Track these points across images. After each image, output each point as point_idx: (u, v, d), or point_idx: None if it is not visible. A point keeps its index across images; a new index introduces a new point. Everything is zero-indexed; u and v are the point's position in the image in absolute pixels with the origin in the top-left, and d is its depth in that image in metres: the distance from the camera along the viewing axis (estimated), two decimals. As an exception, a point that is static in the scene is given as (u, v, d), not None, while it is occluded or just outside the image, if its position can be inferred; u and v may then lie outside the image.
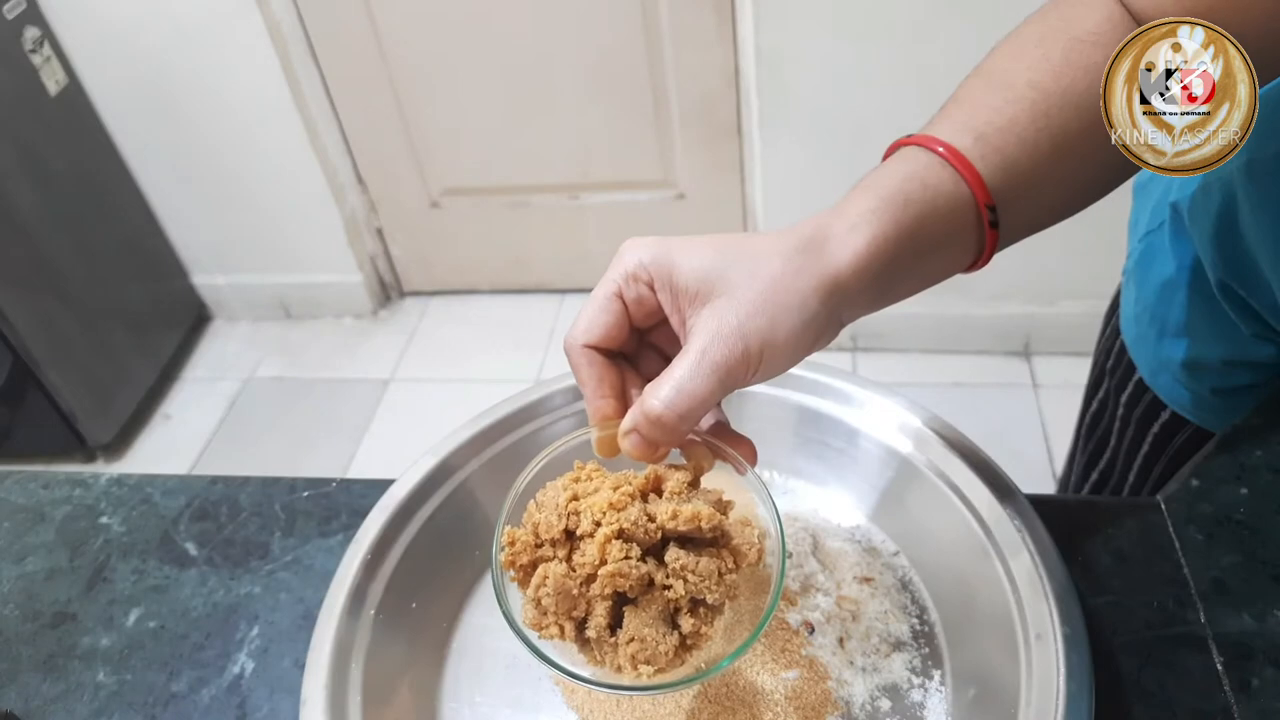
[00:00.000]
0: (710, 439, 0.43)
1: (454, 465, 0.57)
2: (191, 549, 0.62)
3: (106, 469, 1.92)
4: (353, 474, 1.87)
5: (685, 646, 0.40)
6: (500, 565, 0.40)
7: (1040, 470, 1.68)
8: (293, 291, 2.22)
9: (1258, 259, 0.54)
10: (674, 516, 0.39)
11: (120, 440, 1.99)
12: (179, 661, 0.56)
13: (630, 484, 0.41)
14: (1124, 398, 0.72)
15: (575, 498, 0.40)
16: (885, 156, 0.44)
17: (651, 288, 0.41)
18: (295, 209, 2.06)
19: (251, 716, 0.52)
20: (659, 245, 0.41)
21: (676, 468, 0.42)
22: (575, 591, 0.39)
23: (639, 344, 0.45)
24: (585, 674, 0.40)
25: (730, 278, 0.39)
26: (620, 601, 0.39)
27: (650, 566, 0.39)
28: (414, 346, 2.15)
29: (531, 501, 0.42)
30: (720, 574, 0.40)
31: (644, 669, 0.38)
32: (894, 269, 0.40)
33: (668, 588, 0.39)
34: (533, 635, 0.40)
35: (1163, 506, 0.54)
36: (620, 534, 0.38)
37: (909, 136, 0.43)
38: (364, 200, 2.13)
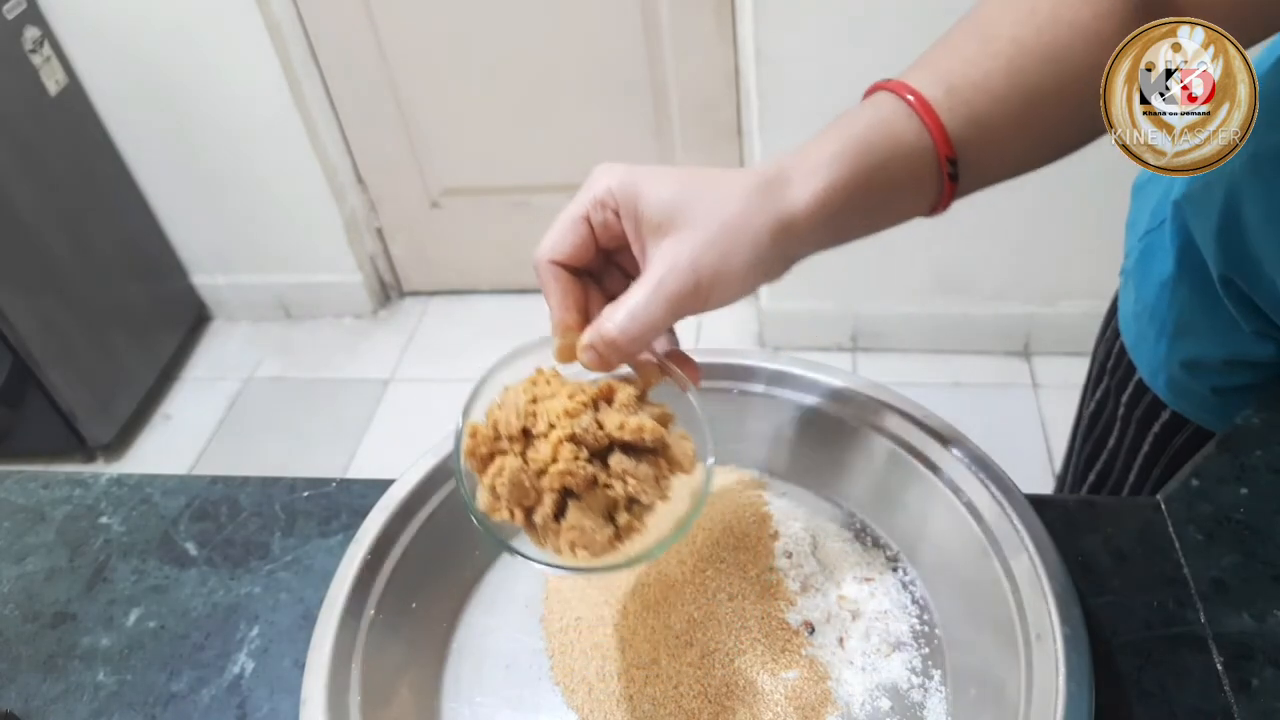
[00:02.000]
0: (660, 358, 0.47)
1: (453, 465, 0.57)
2: (191, 549, 0.62)
3: (106, 469, 1.92)
4: (353, 474, 1.87)
5: (619, 538, 0.44)
6: (462, 454, 0.44)
7: (1040, 470, 1.68)
8: (293, 291, 2.22)
9: (1261, 253, 0.54)
10: (621, 427, 0.43)
11: (120, 440, 1.99)
12: (179, 661, 0.56)
13: (584, 393, 0.44)
14: (1124, 398, 0.72)
15: (535, 400, 0.44)
16: (865, 96, 0.46)
17: (617, 214, 0.44)
18: (295, 209, 2.06)
19: (251, 716, 0.52)
20: (628, 174, 0.43)
21: (628, 381, 0.46)
22: (527, 484, 0.42)
23: (605, 263, 0.48)
24: (529, 553, 0.44)
25: (690, 213, 0.41)
26: (566, 495, 0.43)
27: (595, 468, 0.43)
28: (414, 346, 2.15)
29: (494, 400, 0.45)
30: (656, 479, 0.44)
31: (581, 554, 0.43)
32: (848, 212, 0.43)
33: (609, 487, 0.43)
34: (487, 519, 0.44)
35: (1163, 506, 0.54)
36: (572, 438, 0.42)
37: (886, 80, 0.45)
38: (364, 200, 2.13)
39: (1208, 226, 0.57)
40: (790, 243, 0.42)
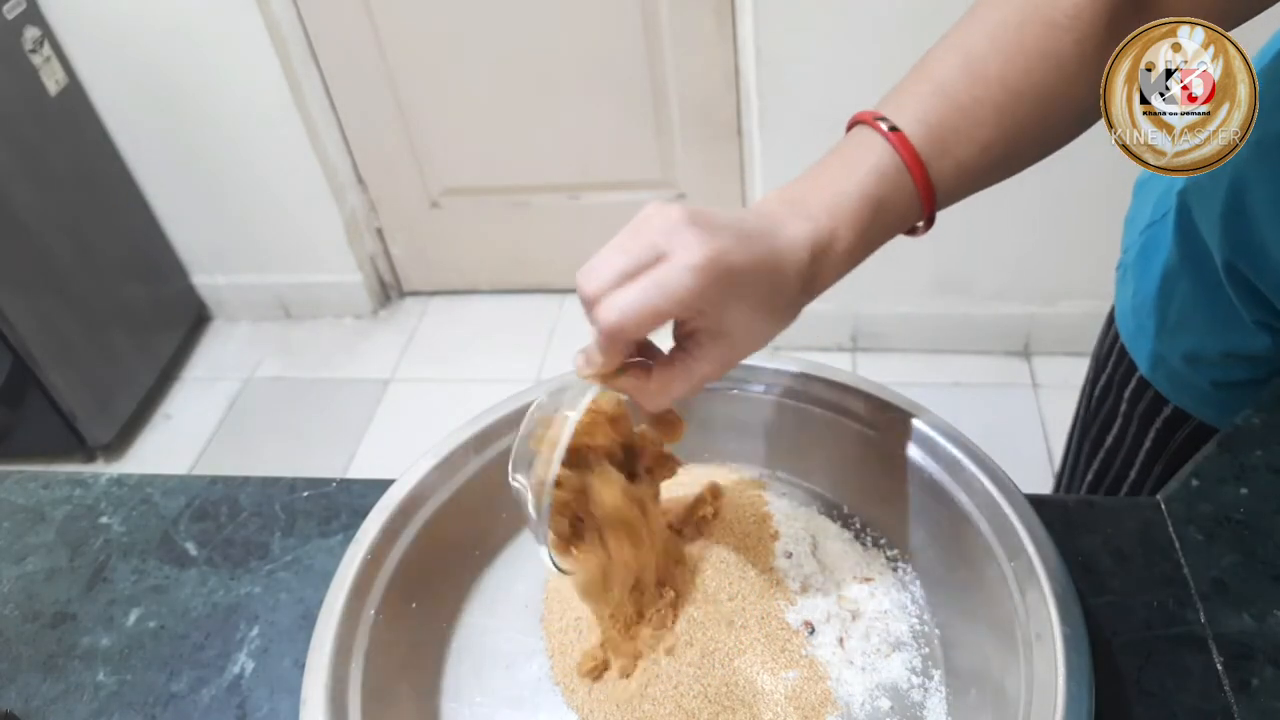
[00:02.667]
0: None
1: (454, 465, 0.57)
2: (191, 549, 0.62)
3: (106, 469, 1.92)
4: (353, 474, 1.87)
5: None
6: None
7: (1040, 470, 1.68)
8: (293, 291, 2.22)
9: (1267, 238, 0.54)
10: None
11: (120, 440, 1.99)
12: (179, 661, 0.56)
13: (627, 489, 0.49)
14: (1126, 393, 0.71)
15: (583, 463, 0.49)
16: (850, 127, 0.48)
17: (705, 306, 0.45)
18: (295, 209, 2.06)
19: (251, 717, 0.53)
20: (695, 224, 0.45)
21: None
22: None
23: None
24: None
25: (731, 300, 0.44)
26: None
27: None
28: (414, 346, 2.15)
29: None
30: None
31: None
32: (858, 258, 0.48)
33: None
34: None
35: (1163, 506, 0.54)
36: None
37: (877, 119, 0.46)
38: (364, 200, 2.13)
39: (1212, 214, 0.57)
40: (811, 289, 0.47)
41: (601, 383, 0.47)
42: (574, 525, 0.50)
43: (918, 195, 0.46)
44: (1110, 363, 0.74)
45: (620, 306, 0.43)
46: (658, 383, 0.46)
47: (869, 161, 0.45)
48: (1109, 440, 0.75)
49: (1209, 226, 0.58)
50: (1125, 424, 0.73)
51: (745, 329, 0.45)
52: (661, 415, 0.50)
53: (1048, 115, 0.45)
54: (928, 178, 0.45)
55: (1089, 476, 0.80)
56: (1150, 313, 0.66)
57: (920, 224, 0.48)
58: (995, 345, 1.90)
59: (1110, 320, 0.74)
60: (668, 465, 0.53)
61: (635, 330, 0.43)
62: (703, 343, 0.45)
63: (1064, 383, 1.84)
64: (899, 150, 0.45)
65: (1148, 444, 0.71)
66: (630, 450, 0.52)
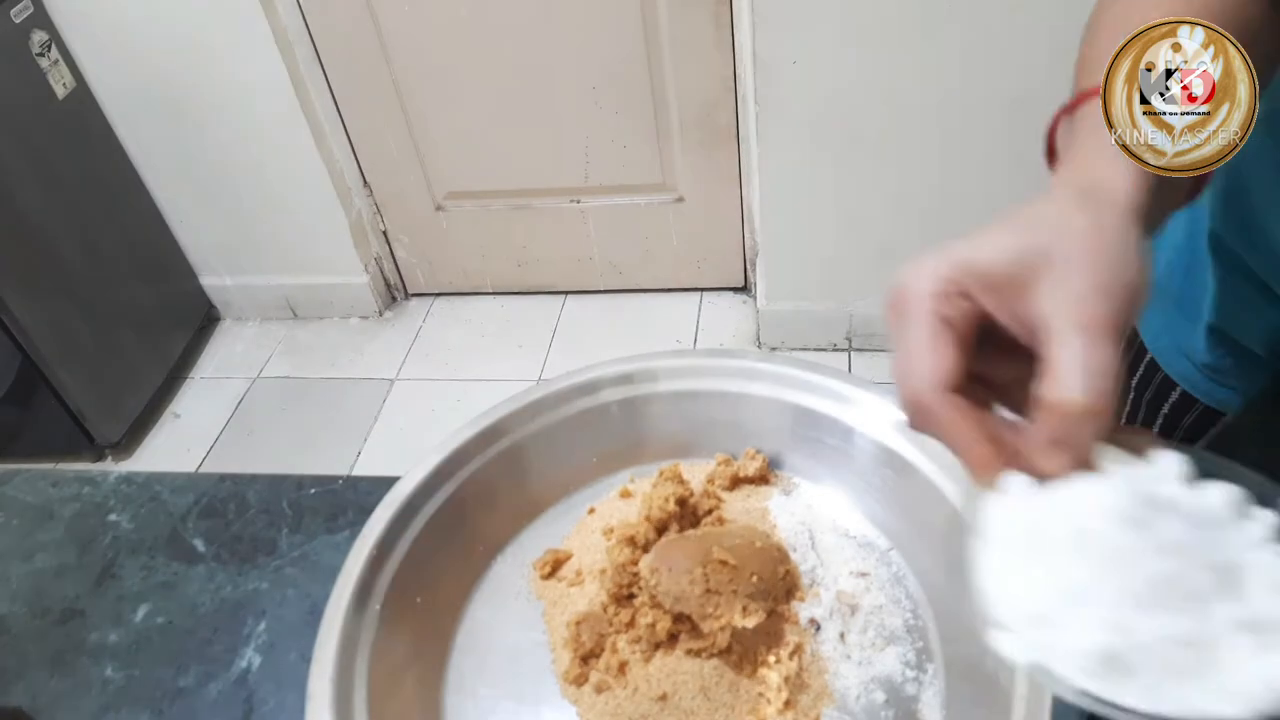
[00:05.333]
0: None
1: (458, 463, 0.57)
2: (199, 545, 0.63)
3: (115, 467, 1.93)
4: (358, 471, 1.88)
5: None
6: None
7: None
8: (299, 292, 2.24)
9: (1261, 213, 0.54)
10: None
11: (129, 439, 2.00)
12: (186, 657, 0.57)
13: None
14: (1134, 380, 0.72)
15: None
16: (1076, 103, 0.43)
17: (968, 296, 0.37)
18: (302, 212, 2.07)
19: (258, 710, 0.53)
20: (944, 257, 0.37)
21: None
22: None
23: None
24: None
25: (1041, 245, 0.36)
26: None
27: None
28: (418, 347, 2.16)
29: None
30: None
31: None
32: (1158, 200, 0.39)
33: None
34: None
35: (1156, 504, 0.55)
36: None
37: (1078, 98, 0.42)
38: (370, 203, 2.14)
39: (1212, 187, 0.58)
40: (1142, 223, 0.38)
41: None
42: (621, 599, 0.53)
43: None
44: (1120, 345, 0.74)
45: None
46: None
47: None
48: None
49: (1206, 198, 0.59)
50: (1133, 410, 0.73)
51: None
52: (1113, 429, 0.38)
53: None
54: None
55: None
56: (1156, 288, 0.66)
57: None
58: (990, 344, 1.90)
59: None
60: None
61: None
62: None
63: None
64: None
65: (1155, 430, 0.71)
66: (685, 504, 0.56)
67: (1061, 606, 0.34)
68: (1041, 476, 0.36)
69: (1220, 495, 0.35)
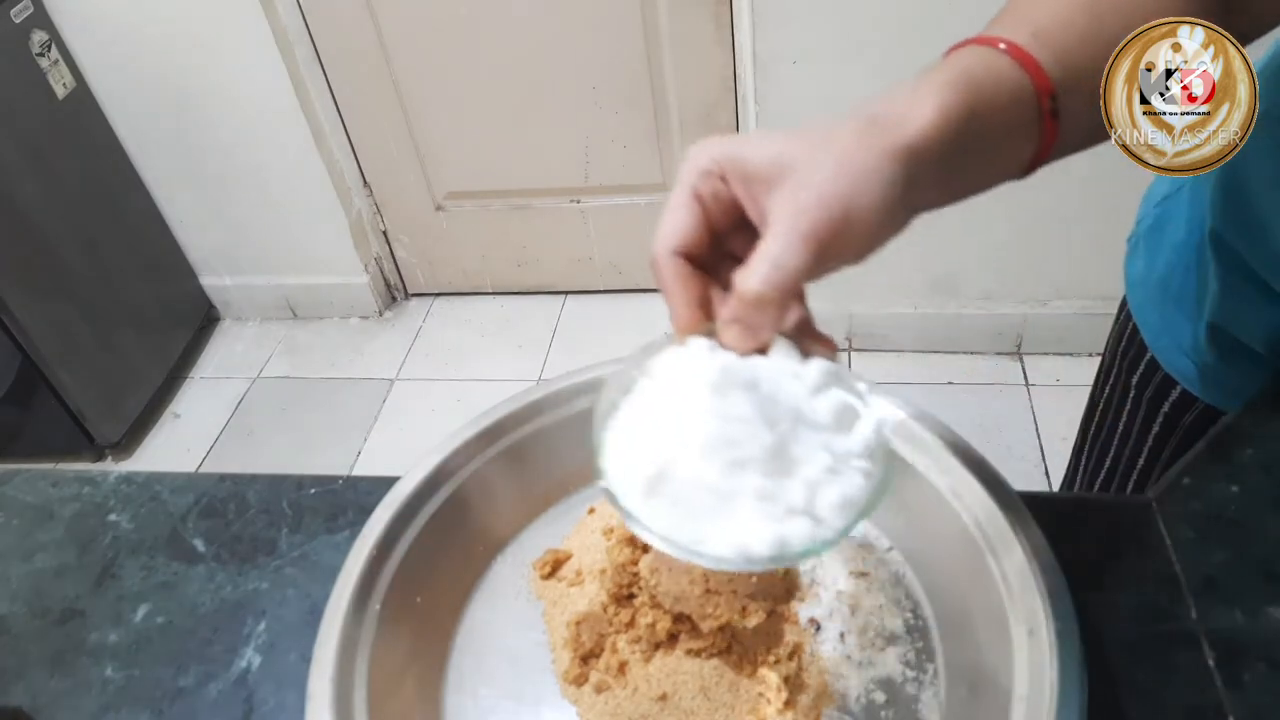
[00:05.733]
0: (793, 336, 0.43)
1: (458, 463, 0.57)
2: (199, 545, 0.63)
3: (115, 467, 1.93)
4: (358, 471, 1.88)
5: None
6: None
7: (1032, 467, 1.69)
8: (299, 293, 2.24)
9: (1263, 212, 0.54)
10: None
11: (129, 439, 2.01)
12: (186, 657, 0.56)
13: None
14: (1135, 379, 0.72)
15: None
16: (945, 56, 0.44)
17: (725, 180, 0.41)
18: (302, 212, 2.07)
19: (258, 711, 0.53)
20: (726, 141, 0.41)
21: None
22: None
23: (718, 255, 0.45)
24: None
25: (802, 156, 0.39)
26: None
27: None
28: (418, 347, 2.16)
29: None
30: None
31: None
32: (962, 146, 0.40)
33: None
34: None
35: (1154, 504, 0.55)
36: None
37: (966, 39, 0.43)
38: (370, 203, 2.14)
39: (1210, 185, 0.57)
40: (913, 171, 0.39)
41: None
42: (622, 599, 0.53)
43: (1023, 70, 0.40)
44: (1120, 348, 0.74)
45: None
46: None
47: (957, 59, 0.41)
48: (1121, 424, 0.75)
49: (1207, 197, 0.58)
50: (1134, 409, 0.73)
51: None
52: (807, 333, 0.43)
53: (1141, 20, 0.41)
54: (1030, 55, 0.40)
55: (1107, 461, 0.79)
56: (1158, 284, 0.66)
57: (1045, 127, 0.42)
58: (988, 345, 1.91)
59: (1122, 305, 0.74)
60: None
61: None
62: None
63: (1056, 382, 1.84)
64: (987, 44, 0.41)
65: (1156, 428, 0.71)
66: None
67: (641, 438, 0.40)
68: (725, 347, 0.41)
69: (821, 400, 0.41)
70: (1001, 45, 0.41)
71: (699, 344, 0.41)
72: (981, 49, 0.41)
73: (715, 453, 0.38)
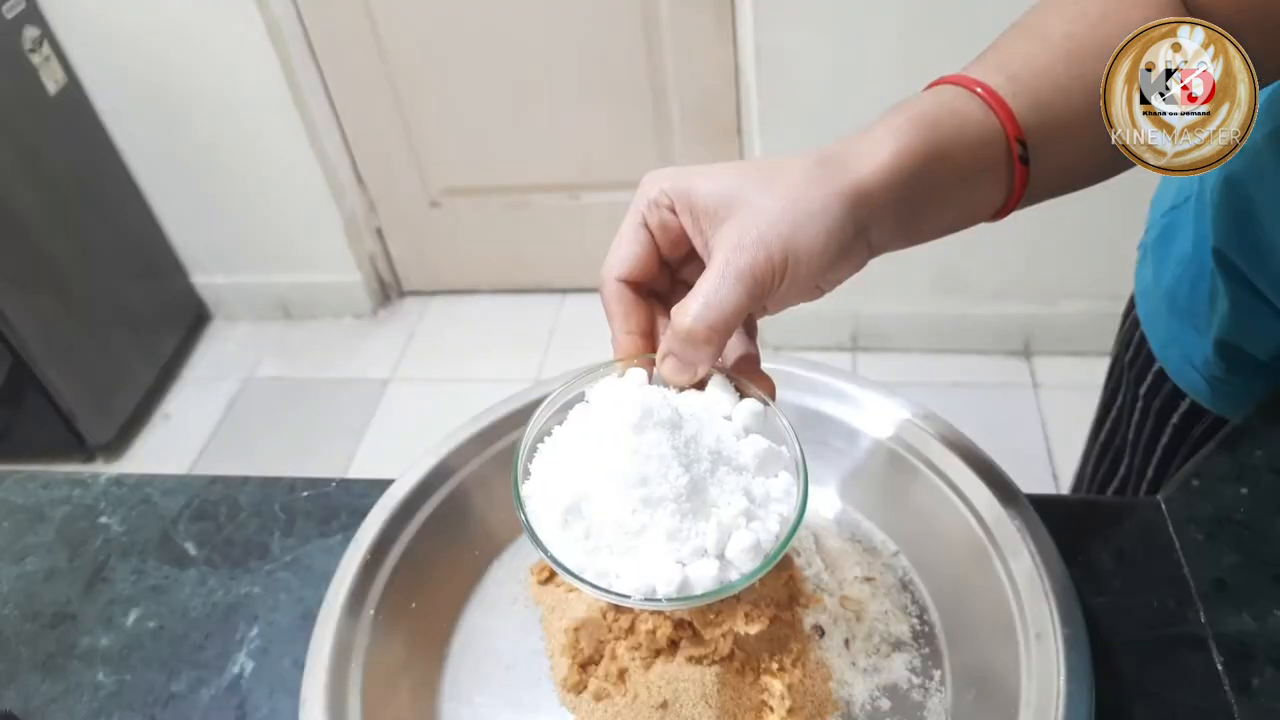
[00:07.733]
0: (734, 374, 0.44)
1: (453, 465, 0.57)
2: (191, 549, 0.62)
3: (106, 469, 1.92)
4: (352, 474, 1.87)
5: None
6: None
7: (1040, 470, 1.68)
8: (292, 291, 2.23)
9: (1274, 233, 0.54)
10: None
11: (120, 440, 1.99)
12: (178, 661, 0.56)
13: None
14: (1143, 389, 0.71)
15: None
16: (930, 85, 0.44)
17: (673, 210, 0.42)
18: (295, 208, 2.06)
19: (251, 716, 0.53)
20: (678, 172, 0.42)
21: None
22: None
23: (671, 282, 0.45)
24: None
25: (749, 193, 0.39)
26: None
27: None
28: (413, 346, 2.15)
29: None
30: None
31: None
32: (921, 188, 0.40)
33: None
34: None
35: (1163, 506, 0.54)
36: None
37: (942, 77, 0.43)
38: (364, 200, 2.13)
39: (1214, 202, 0.57)
40: (864, 214, 0.39)
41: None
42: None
43: (993, 113, 0.41)
44: (1127, 358, 0.73)
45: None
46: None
47: (924, 99, 0.42)
48: (1129, 434, 0.75)
49: (1211, 214, 0.58)
50: (1142, 419, 0.73)
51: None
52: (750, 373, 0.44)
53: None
54: (1003, 100, 0.41)
55: (1110, 472, 0.79)
56: (1164, 295, 0.66)
57: (1014, 172, 0.42)
58: (995, 345, 1.90)
59: (1127, 313, 0.74)
60: None
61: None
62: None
63: (1064, 383, 1.84)
64: (961, 85, 0.42)
65: (1165, 439, 0.70)
66: None
67: (563, 468, 0.41)
68: (664, 380, 0.42)
69: (746, 444, 0.41)
70: (978, 89, 0.42)
71: (636, 375, 0.42)
72: (955, 89, 0.42)
73: (629, 489, 0.38)
